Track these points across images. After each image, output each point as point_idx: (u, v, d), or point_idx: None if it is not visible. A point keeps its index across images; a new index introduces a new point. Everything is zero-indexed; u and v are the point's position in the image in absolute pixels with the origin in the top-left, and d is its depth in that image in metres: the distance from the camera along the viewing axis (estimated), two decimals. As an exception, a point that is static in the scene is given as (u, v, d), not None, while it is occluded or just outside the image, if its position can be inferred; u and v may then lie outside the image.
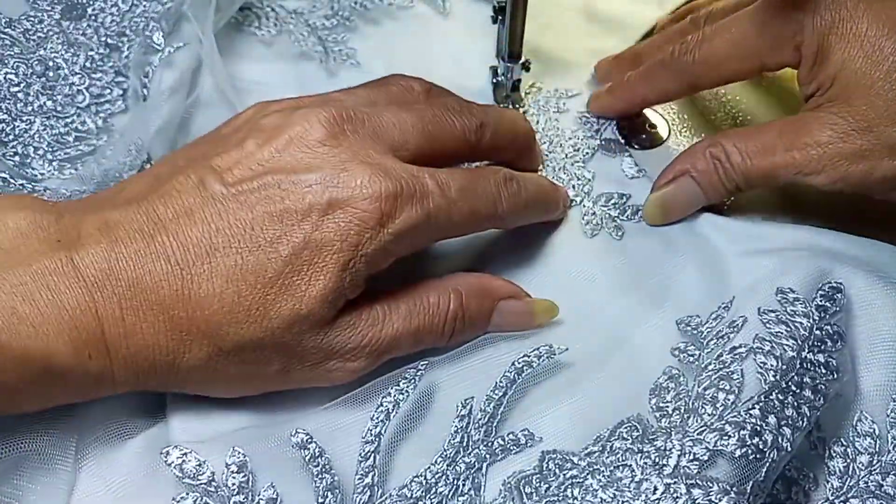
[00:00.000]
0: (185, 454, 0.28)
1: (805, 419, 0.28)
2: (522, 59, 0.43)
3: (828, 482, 0.29)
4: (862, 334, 0.32)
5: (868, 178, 0.34)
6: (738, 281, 0.35)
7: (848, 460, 0.30)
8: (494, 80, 0.44)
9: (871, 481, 0.29)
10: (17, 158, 0.39)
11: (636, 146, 0.43)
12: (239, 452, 0.28)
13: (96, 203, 0.29)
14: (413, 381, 0.30)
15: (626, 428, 0.29)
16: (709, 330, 0.33)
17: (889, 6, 0.34)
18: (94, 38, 0.44)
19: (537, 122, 0.43)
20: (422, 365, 0.31)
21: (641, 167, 0.42)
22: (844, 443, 0.30)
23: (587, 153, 0.42)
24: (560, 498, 0.27)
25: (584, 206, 0.40)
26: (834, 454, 0.30)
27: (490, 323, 0.33)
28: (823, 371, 0.30)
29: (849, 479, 0.29)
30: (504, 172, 0.34)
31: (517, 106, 0.43)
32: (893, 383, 0.31)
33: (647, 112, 0.45)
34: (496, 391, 0.31)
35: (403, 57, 0.46)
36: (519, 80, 0.44)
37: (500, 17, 0.41)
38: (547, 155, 0.42)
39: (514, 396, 0.32)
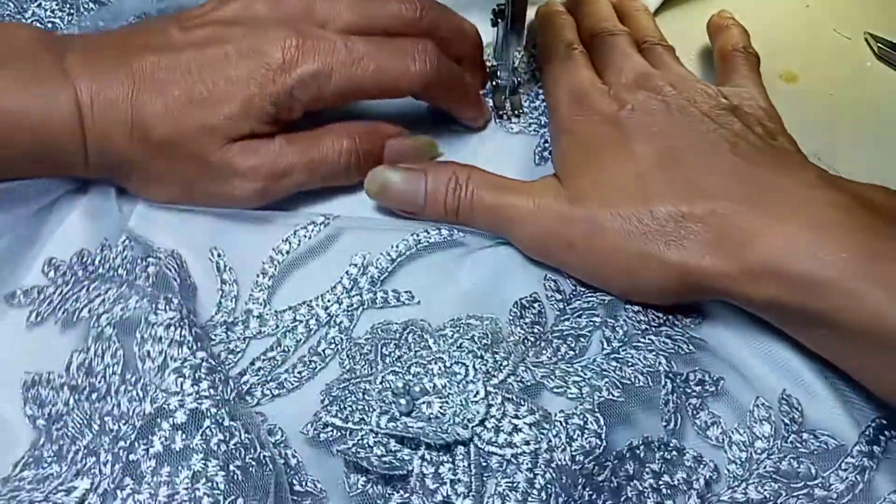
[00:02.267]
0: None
1: (646, 374, 0.31)
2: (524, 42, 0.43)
3: (728, 470, 0.30)
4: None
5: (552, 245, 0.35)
6: None
7: (747, 447, 0.31)
8: (494, 84, 0.44)
9: (769, 466, 0.30)
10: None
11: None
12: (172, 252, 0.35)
13: (85, 35, 0.38)
14: (321, 225, 0.36)
15: (478, 333, 0.32)
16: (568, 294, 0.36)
17: None
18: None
19: (529, 75, 0.45)
20: (334, 215, 0.37)
21: None
22: (742, 430, 0.31)
23: None
24: (404, 371, 0.31)
25: (539, 139, 0.42)
26: (733, 443, 0.31)
27: (384, 159, 0.38)
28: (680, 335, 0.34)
29: (749, 465, 0.30)
30: (429, 43, 0.37)
31: (516, 110, 0.44)
32: (784, 366, 0.33)
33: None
34: (391, 252, 0.36)
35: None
36: (518, 83, 0.44)
37: (498, 21, 0.41)
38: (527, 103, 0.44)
39: (404, 262, 0.36)
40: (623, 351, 0.33)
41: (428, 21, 0.38)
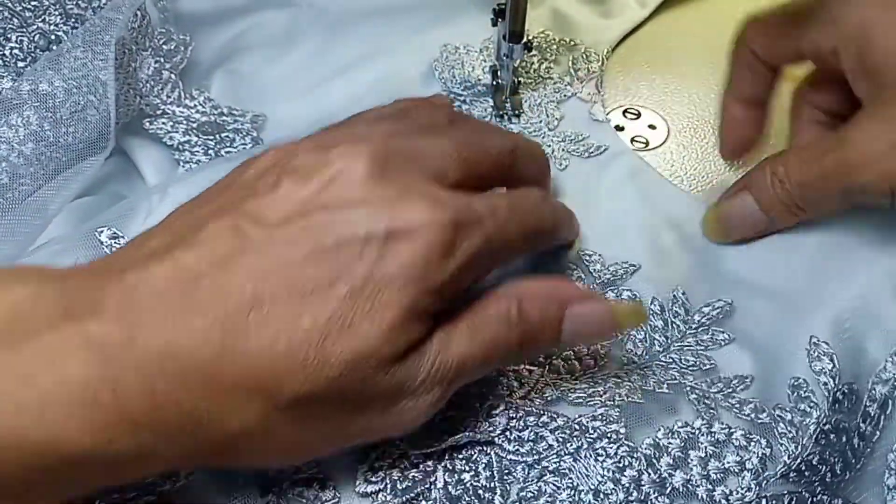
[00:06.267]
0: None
1: (668, 385, 0.31)
2: (525, 40, 0.42)
3: (782, 445, 0.30)
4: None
5: None
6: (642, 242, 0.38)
7: (794, 425, 0.31)
8: (494, 83, 0.44)
9: (820, 435, 0.30)
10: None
11: (636, 146, 0.44)
12: None
13: (109, 263, 0.26)
14: None
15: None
16: (602, 271, 0.36)
17: None
18: (88, 10, 0.43)
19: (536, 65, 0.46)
20: None
21: (608, 117, 0.45)
22: (787, 409, 0.31)
23: (565, 96, 0.45)
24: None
25: (540, 139, 0.42)
26: (780, 420, 0.31)
27: (563, 332, 0.29)
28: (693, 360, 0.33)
29: (801, 438, 0.30)
30: (538, 191, 0.33)
31: (516, 111, 0.44)
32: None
33: (647, 112, 0.45)
34: None
35: (404, 57, 0.46)
36: (518, 83, 0.44)
37: (499, 20, 0.41)
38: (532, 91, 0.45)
39: None
40: (645, 368, 0.33)
41: (518, 162, 0.33)
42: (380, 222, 0.25)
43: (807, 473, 0.29)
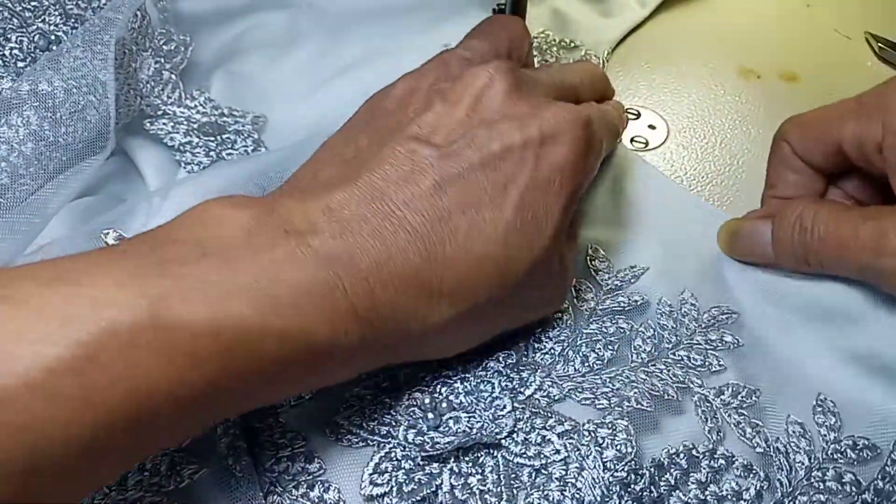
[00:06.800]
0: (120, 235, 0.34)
1: (675, 389, 0.31)
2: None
3: (779, 481, 0.30)
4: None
5: None
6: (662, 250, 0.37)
7: (790, 460, 0.31)
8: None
9: (813, 478, 0.30)
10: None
11: (635, 146, 0.44)
12: None
13: (301, 193, 0.28)
14: None
15: (504, 353, 0.32)
16: (611, 278, 0.36)
17: None
18: (88, 10, 0.43)
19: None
20: None
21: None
22: (784, 442, 0.31)
23: None
24: (431, 388, 0.31)
25: None
26: (778, 452, 0.31)
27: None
28: (700, 360, 0.33)
29: (794, 478, 0.30)
30: (614, 103, 0.39)
31: None
32: (812, 380, 0.33)
33: (647, 112, 0.46)
34: None
35: (404, 57, 0.46)
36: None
37: (499, 18, 0.42)
38: None
39: None
40: (653, 365, 0.32)
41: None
42: (532, 129, 0.28)
43: None
